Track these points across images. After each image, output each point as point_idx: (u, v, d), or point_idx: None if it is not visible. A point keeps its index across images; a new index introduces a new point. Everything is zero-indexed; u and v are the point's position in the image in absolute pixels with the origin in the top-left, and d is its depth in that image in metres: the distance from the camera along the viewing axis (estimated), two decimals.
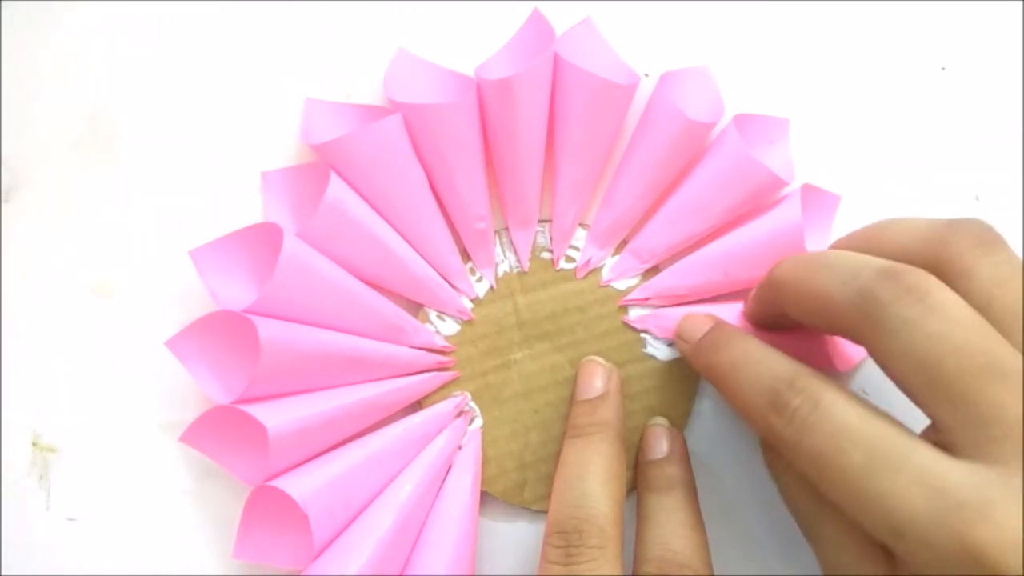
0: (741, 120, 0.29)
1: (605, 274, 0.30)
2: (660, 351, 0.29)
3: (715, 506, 0.28)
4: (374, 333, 0.28)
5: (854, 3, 0.31)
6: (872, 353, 0.21)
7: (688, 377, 0.29)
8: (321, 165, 0.28)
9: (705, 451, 0.29)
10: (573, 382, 0.28)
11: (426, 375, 0.29)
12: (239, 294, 0.27)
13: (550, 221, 0.30)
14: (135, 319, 0.29)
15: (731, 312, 0.28)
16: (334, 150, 0.27)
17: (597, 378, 0.28)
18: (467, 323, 0.29)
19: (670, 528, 0.25)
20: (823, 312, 0.23)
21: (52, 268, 0.29)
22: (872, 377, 0.29)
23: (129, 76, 0.30)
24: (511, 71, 0.27)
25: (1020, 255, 0.22)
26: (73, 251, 0.29)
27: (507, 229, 0.30)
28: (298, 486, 0.25)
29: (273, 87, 0.30)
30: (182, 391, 0.28)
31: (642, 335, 0.29)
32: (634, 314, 0.29)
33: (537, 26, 0.28)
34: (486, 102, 0.28)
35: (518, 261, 0.30)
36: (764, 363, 0.23)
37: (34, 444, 0.29)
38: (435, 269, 0.29)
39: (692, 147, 0.29)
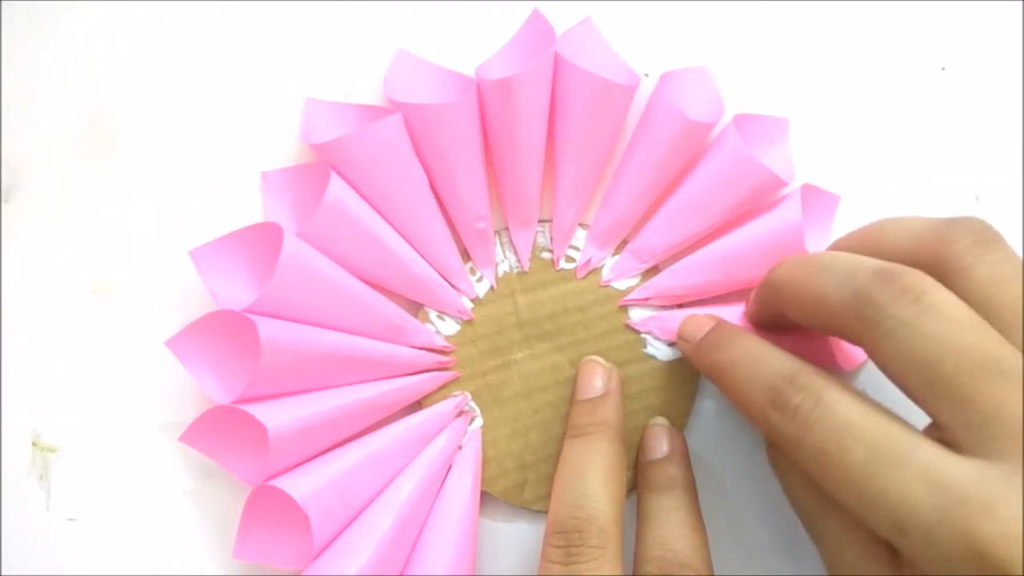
0: (741, 120, 0.29)
1: (605, 274, 0.30)
2: (660, 351, 0.29)
3: (715, 506, 0.28)
4: (374, 333, 0.28)
5: (854, 3, 0.31)
6: (870, 354, 0.21)
7: (688, 377, 0.29)
8: (321, 165, 0.28)
9: (705, 451, 0.29)
10: (573, 382, 0.28)
11: (426, 375, 0.29)
12: (239, 294, 0.27)
13: (550, 221, 0.30)
14: (135, 319, 0.29)
15: (732, 313, 0.28)
16: (334, 150, 0.27)
17: (597, 378, 0.28)
18: (467, 323, 0.29)
19: (670, 528, 0.25)
20: (820, 314, 0.23)
21: (52, 268, 0.29)
22: (873, 376, 0.29)
23: (129, 76, 0.30)
24: (511, 71, 0.27)
25: (1019, 254, 0.22)
26: (73, 251, 0.29)
27: (507, 229, 0.30)
28: (298, 486, 0.25)
29: (273, 87, 0.30)
30: (182, 391, 0.28)
31: (642, 335, 0.29)
32: (635, 316, 0.29)
33: (537, 26, 0.28)
34: (486, 102, 0.28)
35: (518, 261, 0.30)
36: (765, 361, 0.23)
37: (34, 444, 0.29)
38: (435, 269, 0.29)
39: (692, 147, 0.29)
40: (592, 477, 0.25)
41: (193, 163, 0.30)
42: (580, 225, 0.30)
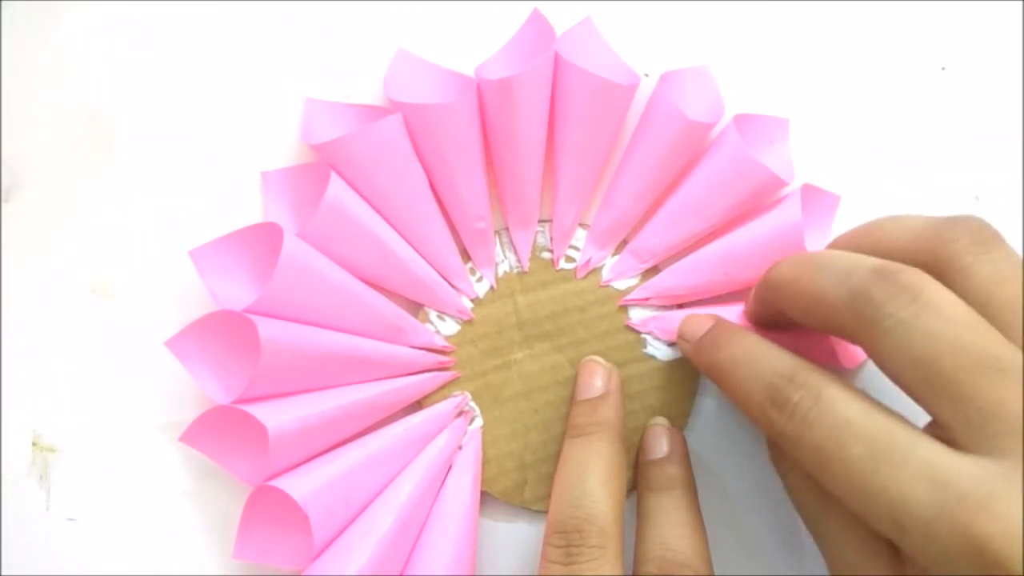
0: (741, 120, 0.29)
1: (605, 274, 0.30)
2: (660, 351, 0.29)
3: (715, 506, 0.28)
4: (374, 333, 0.28)
5: (854, 3, 0.31)
6: (869, 353, 0.21)
7: (688, 377, 0.29)
8: (321, 165, 0.28)
9: (706, 451, 0.29)
10: (573, 382, 0.28)
11: (426, 375, 0.29)
12: (239, 294, 0.27)
13: (550, 221, 0.30)
14: (135, 319, 0.29)
15: (732, 313, 0.28)
16: (334, 150, 0.27)
17: (597, 378, 0.28)
18: (467, 323, 0.29)
19: (670, 528, 0.25)
20: (819, 312, 0.23)
21: (52, 268, 0.29)
22: (874, 375, 0.29)
23: (129, 76, 0.30)
24: (511, 71, 0.27)
25: (1019, 253, 0.22)
26: (73, 251, 0.29)
27: (507, 229, 0.30)
28: (298, 486, 0.25)
29: (273, 87, 0.30)
30: (182, 391, 0.28)
31: (642, 335, 0.29)
32: (635, 316, 0.29)
33: (537, 26, 0.28)
34: (486, 102, 0.28)
35: (518, 261, 0.30)
36: (764, 359, 0.23)
37: (34, 444, 0.29)
38: (435, 269, 0.29)
39: (692, 147, 0.29)
40: (592, 477, 0.25)
41: (193, 163, 0.30)
42: (580, 225, 0.30)
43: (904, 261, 0.21)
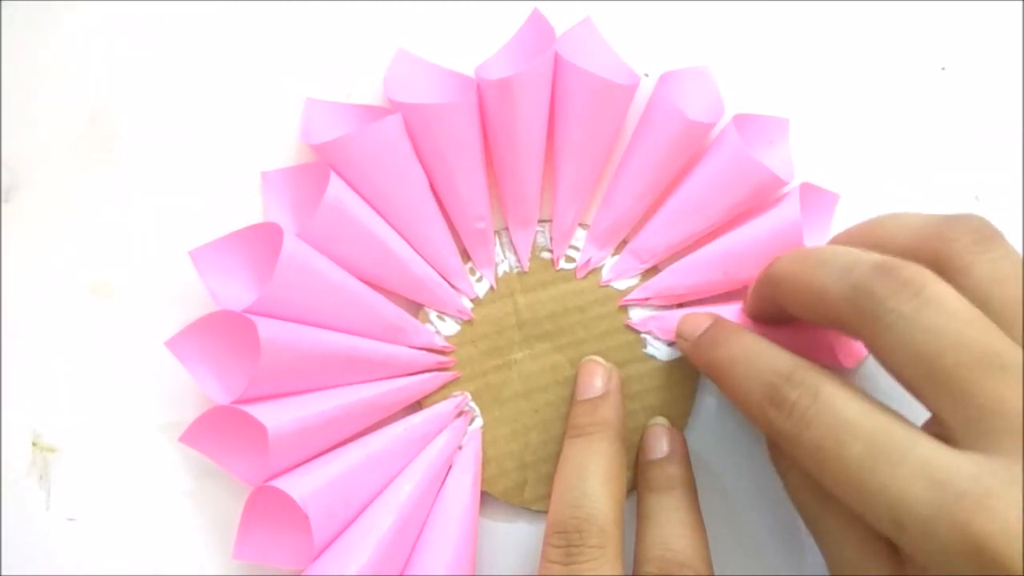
0: (741, 120, 0.29)
1: (605, 274, 0.30)
2: (660, 351, 0.29)
3: (715, 506, 0.28)
4: (374, 333, 0.28)
5: (854, 3, 0.31)
6: (869, 348, 0.21)
7: (688, 377, 0.29)
8: (321, 165, 0.28)
9: (706, 451, 0.29)
10: (573, 382, 0.28)
11: (426, 375, 0.29)
12: (239, 294, 0.27)
13: (550, 221, 0.30)
14: (135, 319, 0.29)
15: (731, 312, 0.28)
16: (334, 150, 0.27)
17: (597, 378, 0.28)
18: (467, 323, 0.29)
19: (670, 528, 0.25)
20: (819, 307, 0.23)
21: (52, 268, 0.29)
22: (873, 373, 0.29)
23: (129, 76, 0.30)
24: (511, 71, 0.27)
25: (1020, 252, 0.22)
26: (73, 251, 0.29)
27: (507, 229, 0.30)
28: (298, 486, 0.25)
29: (273, 87, 0.30)
30: (182, 391, 0.28)
31: (642, 335, 0.29)
32: (635, 316, 0.29)
33: (537, 26, 0.28)
34: (486, 102, 0.28)
35: (518, 261, 0.30)
36: (762, 357, 0.23)
37: (34, 444, 0.29)
38: (435, 269, 0.29)
39: (692, 147, 0.29)
40: (592, 477, 0.25)
41: (193, 163, 0.30)
42: (580, 225, 0.30)
43: (904, 259, 0.21)
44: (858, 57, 0.31)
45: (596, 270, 0.30)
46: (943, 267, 0.22)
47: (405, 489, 0.27)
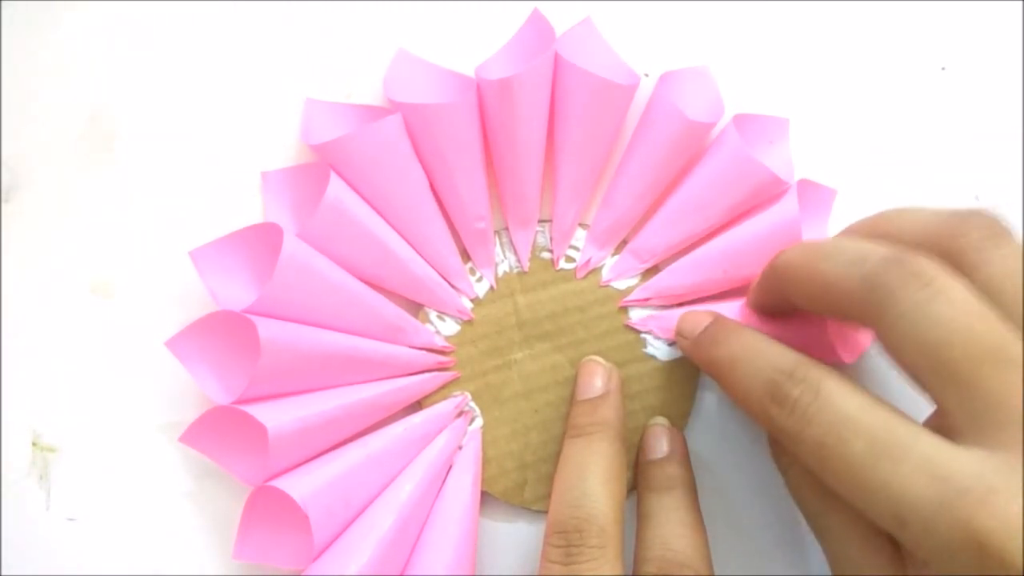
0: (741, 120, 0.29)
1: (605, 274, 0.30)
2: (660, 351, 0.29)
3: (715, 506, 0.28)
4: (374, 333, 0.28)
5: (854, 3, 0.31)
6: (878, 338, 0.21)
7: (688, 376, 0.29)
8: (321, 165, 0.28)
9: (706, 451, 0.29)
10: (573, 382, 0.28)
11: (426, 375, 0.29)
12: (239, 294, 0.27)
13: (550, 221, 0.30)
14: (135, 319, 0.29)
15: (731, 310, 0.28)
16: (334, 150, 0.27)
17: (597, 378, 0.28)
18: (467, 323, 0.29)
19: (670, 528, 0.25)
20: (828, 298, 0.23)
21: (52, 268, 0.29)
22: (873, 371, 0.29)
23: (129, 76, 0.30)
24: (511, 71, 0.27)
25: None
26: (73, 251, 0.29)
27: (507, 229, 0.30)
28: (298, 486, 0.25)
29: (273, 87, 0.30)
30: (182, 391, 0.28)
31: (642, 335, 0.29)
32: (635, 316, 0.29)
33: (537, 26, 0.28)
34: (486, 102, 0.28)
35: (518, 261, 0.30)
36: (763, 355, 0.23)
37: (34, 444, 0.29)
38: (435, 269, 0.29)
39: (692, 147, 0.29)
40: (592, 477, 0.25)
41: (193, 163, 0.30)
42: (580, 225, 0.30)
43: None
44: (858, 57, 0.31)
45: (596, 270, 0.30)
46: (953, 262, 0.21)
47: (405, 489, 0.27)
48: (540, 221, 0.30)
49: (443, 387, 0.29)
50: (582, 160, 0.29)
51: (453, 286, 0.29)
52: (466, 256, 0.30)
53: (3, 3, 0.30)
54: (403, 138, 0.28)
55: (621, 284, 0.29)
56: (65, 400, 0.29)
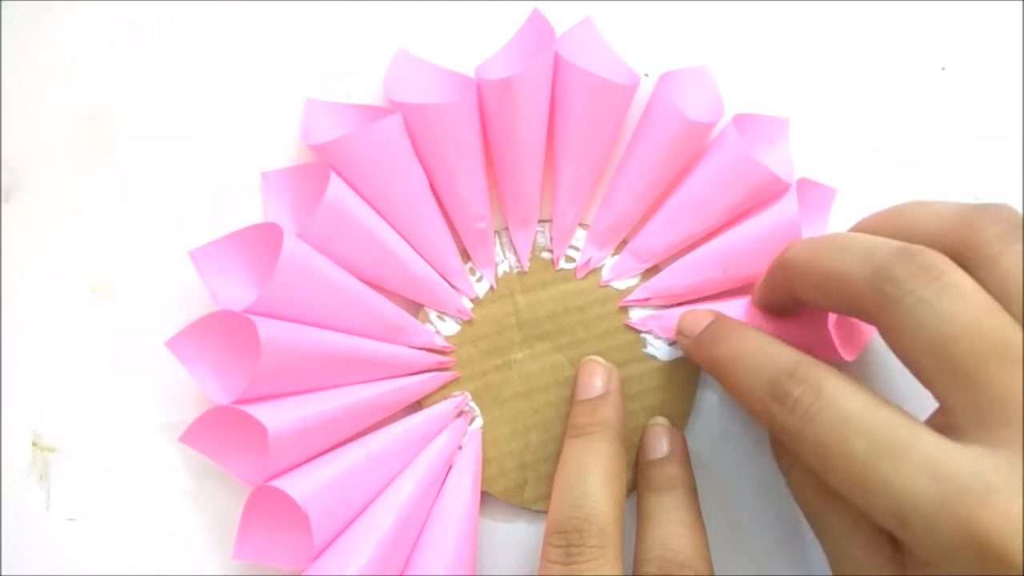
0: (741, 120, 0.29)
1: (605, 274, 0.30)
2: (660, 351, 0.29)
3: (715, 506, 0.28)
4: (374, 333, 0.28)
5: (854, 3, 0.31)
6: (884, 332, 0.21)
7: (688, 377, 0.29)
8: (321, 165, 0.28)
9: (705, 451, 0.29)
10: (573, 382, 0.28)
11: (426, 375, 0.29)
12: (239, 294, 0.27)
13: (550, 221, 0.30)
14: (135, 319, 0.29)
15: (732, 309, 0.28)
16: (334, 150, 0.27)
17: (597, 378, 0.28)
18: (467, 323, 0.29)
19: (670, 528, 0.25)
20: (836, 291, 0.23)
21: (52, 268, 0.29)
22: (872, 370, 0.29)
23: (129, 76, 0.30)
24: (511, 71, 0.27)
25: None
26: (73, 251, 0.29)
27: (507, 229, 0.30)
28: (298, 486, 0.25)
29: (273, 87, 0.30)
30: (182, 391, 0.28)
31: (642, 335, 0.29)
32: (635, 315, 0.29)
33: (537, 26, 0.28)
34: (486, 102, 0.28)
35: (518, 261, 0.30)
36: (765, 353, 0.23)
37: (34, 444, 0.29)
38: (435, 269, 0.29)
39: (692, 147, 0.29)
40: (592, 477, 0.25)
41: (193, 163, 0.30)
42: (580, 225, 0.30)
43: (929, 247, 0.21)
44: (858, 57, 0.31)
45: (596, 270, 0.30)
46: (968, 256, 0.21)
47: (405, 489, 0.27)
48: (540, 221, 0.30)
49: (443, 387, 0.29)
50: (582, 160, 0.29)
51: (453, 286, 0.29)
52: (466, 256, 0.30)
53: (3, 3, 0.30)
54: (403, 138, 0.28)
55: (621, 284, 0.29)
56: (65, 400, 0.29)
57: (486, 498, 0.29)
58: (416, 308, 0.29)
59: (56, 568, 0.28)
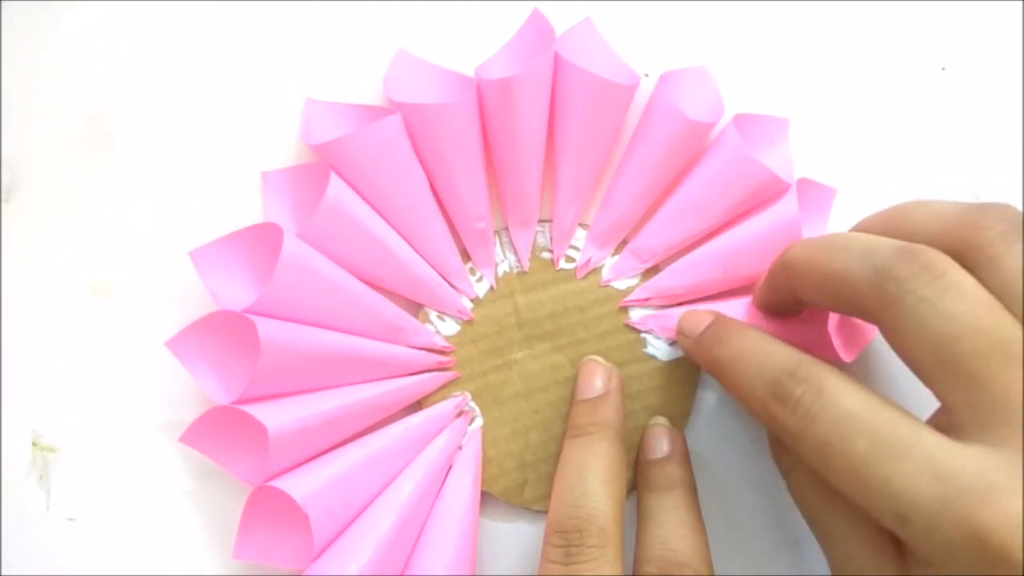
0: (741, 120, 0.29)
1: (605, 274, 0.30)
2: (660, 351, 0.29)
3: (715, 506, 0.28)
4: (374, 333, 0.28)
5: (854, 3, 0.31)
6: (886, 331, 0.21)
7: (688, 377, 0.29)
8: (321, 165, 0.28)
9: (705, 451, 0.29)
10: (573, 382, 0.28)
11: (426, 375, 0.29)
12: (239, 294, 0.27)
13: (550, 221, 0.30)
14: (135, 319, 0.29)
15: (732, 309, 0.28)
16: (334, 150, 0.27)
17: (597, 378, 0.28)
18: (467, 323, 0.29)
19: (670, 528, 0.25)
20: (838, 291, 0.23)
21: (52, 268, 0.29)
22: (872, 369, 0.29)
23: (129, 76, 0.30)
24: (511, 71, 0.27)
25: None
26: (73, 251, 0.29)
27: (507, 229, 0.30)
28: (298, 486, 0.25)
29: (273, 87, 0.30)
30: (182, 391, 0.28)
31: (642, 335, 0.29)
32: (635, 315, 0.29)
33: (537, 26, 0.28)
34: (486, 102, 0.28)
35: (518, 261, 0.30)
36: (766, 353, 0.23)
37: (34, 444, 0.29)
38: (435, 269, 0.29)
39: (692, 147, 0.29)
40: (592, 477, 0.25)
41: (193, 163, 0.30)
42: (580, 225, 0.30)
43: (930, 246, 0.21)
44: (858, 57, 0.31)
45: (596, 270, 0.30)
46: (971, 256, 0.21)
47: (405, 489, 0.27)
48: (540, 221, 0.30)
49: (443, 387, 0.29)
50: (582, 160, 0.29)
51: (453, 286, 0.29)
52: (466, 256, 0.30)
53: (3, 3, 0.30)
54: (403, 138, 0.28)
55: (621, 284, 0.29)
56: (65, 400, 0.29)
57: (486, 498, 0.29)
58: (416, 308, 0.29)
59: (56, 568, 0.28)
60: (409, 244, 0.29)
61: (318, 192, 0.27)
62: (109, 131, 0.30)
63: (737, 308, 0.28)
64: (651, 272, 0.30)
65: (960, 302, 0.20)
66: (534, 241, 0.30)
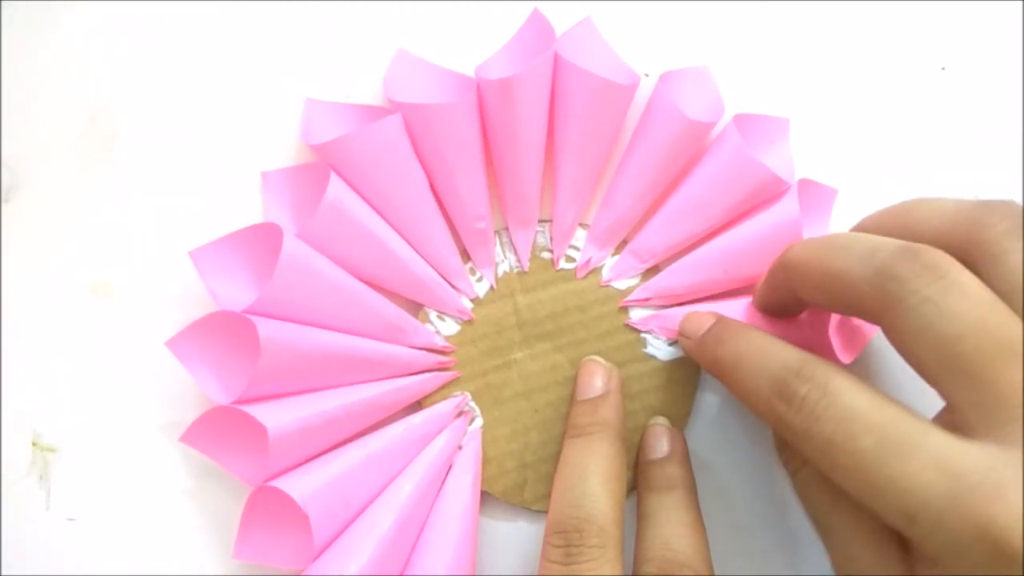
0: (741, 120, 0.29)
1: (605, 274, 0.30)
2: (660, 351, 0.29)
3: (715, 506, 0.28)
4: (374, 333, 0.28)
5: (854, 3, 0.31)
6: (889, 332, 0.21)
7: (688, 377, 0.29)
8: (321, 165, 0.28)
9: (706, 451, 0.29)
10: (573, 382, 0.28)
11: (426, 375, 0.29)
12: (239, 294, 0.27)
13: (550, 221, 0.30)
14: (135, 319, 0.29)
15: (732, 309, 0.28)
16: (334, 150, 0.27)
17: (597, 378, 0.28)
18: (467, 323, 0.29)
19: (671, 528, 0.25)
20: (839, 291, 0.23)
21: (52, 268, 0.29)
22: (874, 373, 0.29)
23: (129, 76, 0.30)
24: (511, 71, 0.27)
25: None
26: (73, 251, 0.29)
27: (507, 229, 0.30)
28: (298, 486, 0.25)
29: (273, 87, 0.30)
30: (182, 391, 0.28)
31: (642, 335, 0.29)
32: (636, 315, 0.29)
33: (537, 26, 0.28)
34: (486, 102, 0.28)
35: (518, 261, 0.30)
36: (770, 353, 0.23)
37: (34, 444, 0.29)
38: (435, 269, 0.29)
39: (692, 147, 0.29)
40: (592, 477, 0.25)
41: (193, 163, 0.30)
42: (580, 225, 0.30)
43: (934, 245, 0.21)
44: (858, 57, 0.31)
45: (596, 270, 0.30)
46: (974, 253, 0.21)
47: (405, 489, 0.27)
48: (540, 221, 0.30)
49: (443, 387, 0.29)
50: (582, 160, 0.29)
51: (453, 286, 0.29)
52: (466, 256, 0.30)
53: (3, 3, 0.30)
54: (403, 138, 0.28)
55: (621, 284, 0.29)
56: (65, 400, 0.29)
57: (486, 498, 0.29)
58: (416, 308, 0.29)
59: (56, 568, 0.28)
60: (409, 244, 0.29)
61: (318, 192, 0.27)
62: (109, 131, 0.30)
63: (738, 309, 0.28)
64: (651, 272, 0.30)
65: (963, 301, 0.20)
66: (534, 241, 0.30)
